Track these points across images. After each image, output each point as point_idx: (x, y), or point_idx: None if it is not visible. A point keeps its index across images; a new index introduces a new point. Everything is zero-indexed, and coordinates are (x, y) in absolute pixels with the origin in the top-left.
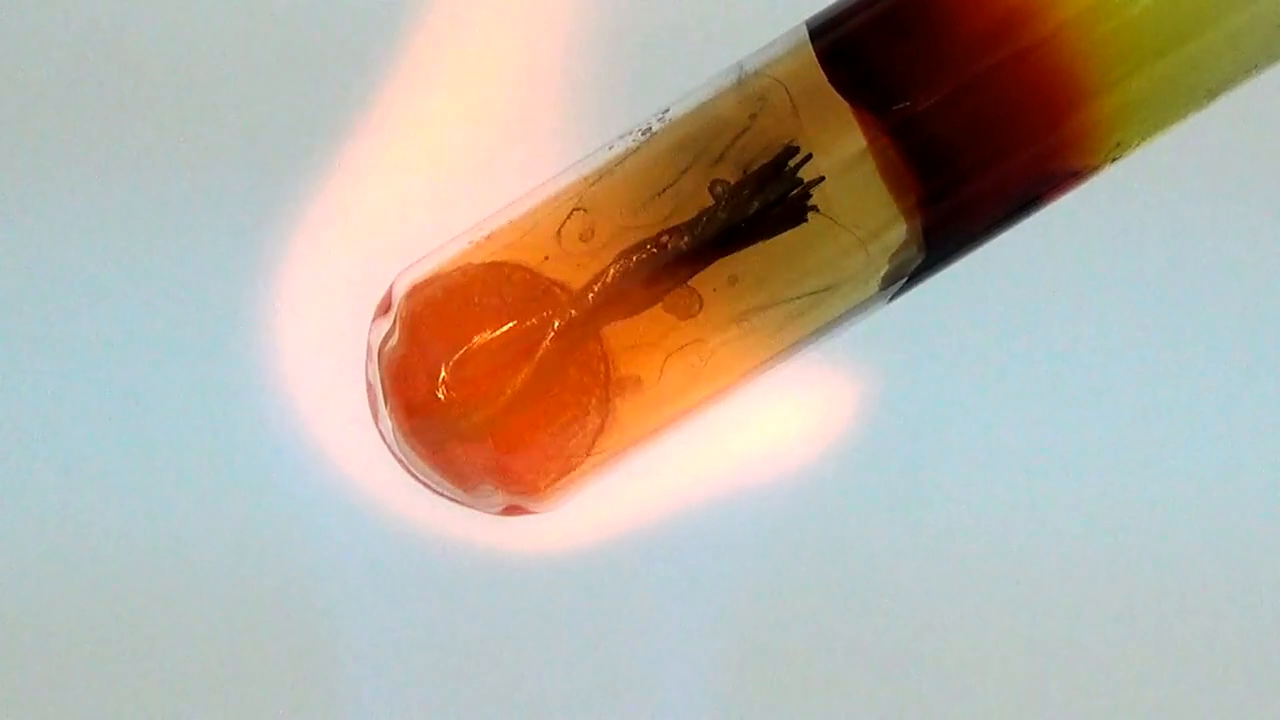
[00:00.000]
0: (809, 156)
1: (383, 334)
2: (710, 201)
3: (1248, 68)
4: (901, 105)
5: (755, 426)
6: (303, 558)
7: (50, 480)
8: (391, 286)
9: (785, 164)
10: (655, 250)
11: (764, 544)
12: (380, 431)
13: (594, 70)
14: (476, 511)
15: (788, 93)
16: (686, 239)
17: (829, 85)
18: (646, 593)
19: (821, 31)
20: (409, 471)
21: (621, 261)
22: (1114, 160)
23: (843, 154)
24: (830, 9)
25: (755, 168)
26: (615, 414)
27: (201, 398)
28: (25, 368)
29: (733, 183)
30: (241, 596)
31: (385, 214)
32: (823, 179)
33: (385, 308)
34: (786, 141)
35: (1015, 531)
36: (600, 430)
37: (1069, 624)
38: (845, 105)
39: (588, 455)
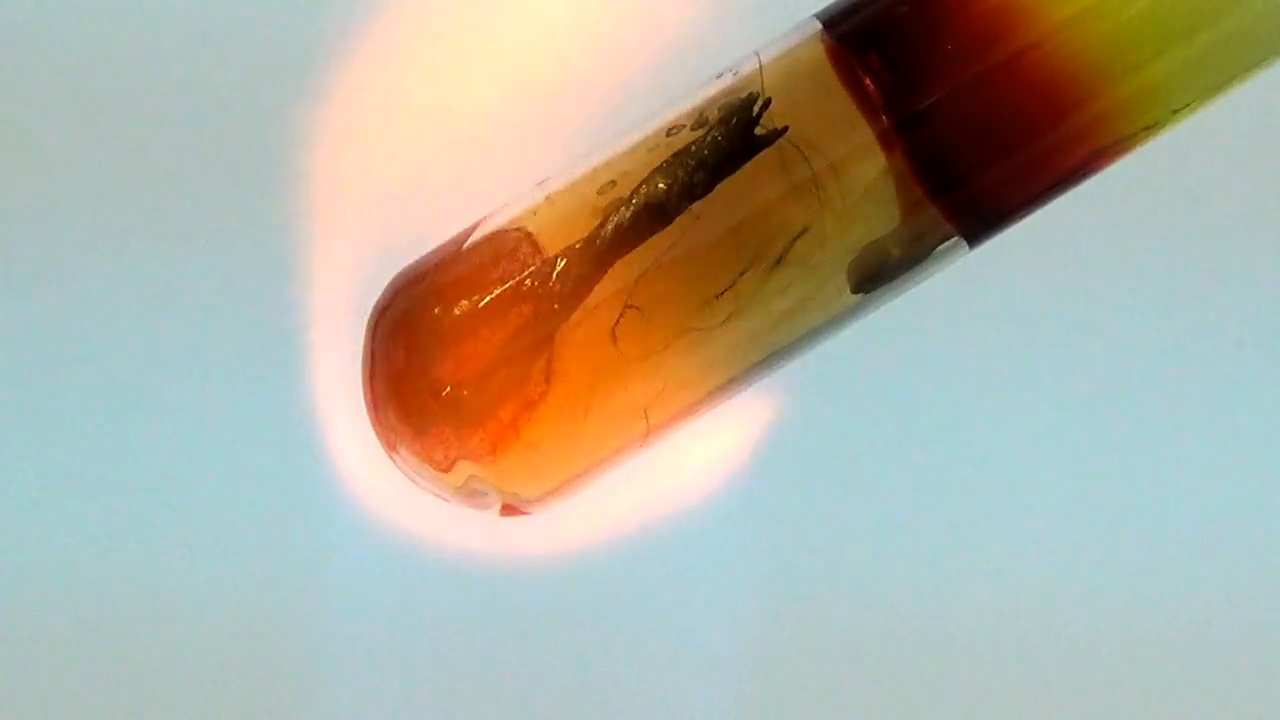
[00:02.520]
0: (769, 101)
1: (379, 337)
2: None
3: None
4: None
5: (753, 424)
6: (301, 560)
7: (49, 483)
8: (389, 285)
9: (750, 107)
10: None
11: (763, 544)
12: (366, 407)
13: (594, 70)
14: (474, 514)
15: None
16: (672, 183)
17: (837, 80)
18: (646, 593)
19: (834, 23)
20: (392, 460)
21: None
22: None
23: (850, 146)
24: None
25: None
26: (561, 344)
27: (197, 397)
28: (24, 373)
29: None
30: (240, 599)
31: (385, 213)
32: (787, 128)
33: (383, 307)
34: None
35: (1014, 534)
36: (549, 358)
37: (1068, 623)
38: (852, 101)
39: (545, 383)
